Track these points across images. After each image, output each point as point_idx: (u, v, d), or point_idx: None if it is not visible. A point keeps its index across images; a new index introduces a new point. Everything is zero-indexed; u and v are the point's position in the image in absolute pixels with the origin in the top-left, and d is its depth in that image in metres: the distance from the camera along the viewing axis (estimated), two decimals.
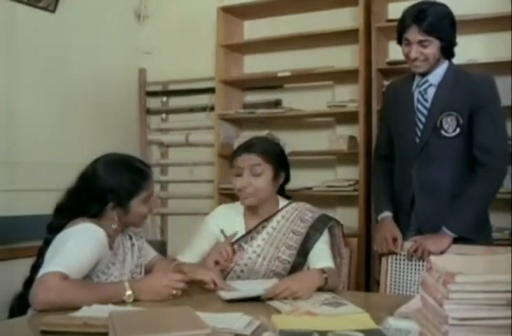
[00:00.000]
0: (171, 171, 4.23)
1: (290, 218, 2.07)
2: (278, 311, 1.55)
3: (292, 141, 3.41)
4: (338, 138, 3.40)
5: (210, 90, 3.84)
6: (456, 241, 2.11)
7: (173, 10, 4.10)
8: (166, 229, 4.18)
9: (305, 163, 3.63)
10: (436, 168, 2.19)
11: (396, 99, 2.35)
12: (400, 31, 2.18)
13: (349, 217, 3.37)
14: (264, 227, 2.06)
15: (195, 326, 1.16)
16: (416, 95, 2.25)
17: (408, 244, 2.19)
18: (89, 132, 3.64)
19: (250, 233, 2.07)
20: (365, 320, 1.34)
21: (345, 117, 3.47)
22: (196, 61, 3.97)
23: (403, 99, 2.30)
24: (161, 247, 3.78)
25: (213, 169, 3.74)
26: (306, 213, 2.08)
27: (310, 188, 3.42)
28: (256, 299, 1.69)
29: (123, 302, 1.61)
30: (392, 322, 1.25)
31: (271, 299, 1.68)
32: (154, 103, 4.24)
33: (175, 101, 4.21)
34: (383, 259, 2.25)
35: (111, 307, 1.51)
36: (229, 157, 3.74)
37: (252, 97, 3.91)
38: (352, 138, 3.37)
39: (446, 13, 2.16)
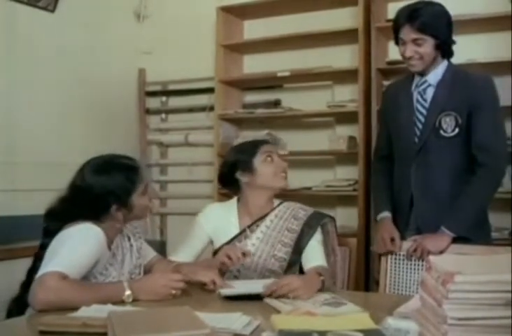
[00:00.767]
0: (170, 171, 4.23)
1: (284, 217, 2.08)
2: (278, 311, 1.55)
3: (291, 141, 3.43)
4: (337, 138, 3.40)
5: (210, 90, 3.84)
6: (455, 240, 2.11)
7: (173, 10, 4.10)
8: (165, 229, 4.18)
9: (304, 163, 3.64)
10: (435, 168, 2.19)
11: (395, 100, 2.35)
12: (395, 31, 2.18)
13: (348, 217, 3.38)
14: (258, 226, 2.07)
15: (194, 326, 1.17)
16: (415, 95, 2.25)
17: (407, 244, 2.19)
18: (88, 132, 3.63)
19: (244, 232, 2.07)
20: (364, 320, 1.34)
21: (345, 117, 3.47)
22: (195, 61, 3.96)
23: (402, 99, 2.30)
24: (160, 247, 3.78)
25: (213, 169, 3.73)
26: (299, 211, 2.10)
27: (309, 188, 3.42)
28: (255, 298, 1.69)
29: (122, 302, 1.61)
30: (392, 322, 1.25)
31: (270, 296, 1.67)
32: (153, 103, 4.24)
33: (174, 101, 4.21)
34: (382, 259, 2.24)
35: (110, 307, 1.50)
36: None
37: (251, 97, 3.91)
38: (351, 138, 3.37)
39: (441, 12, 2.16)
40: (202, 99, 4.02)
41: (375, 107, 3.20)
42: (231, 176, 2.11)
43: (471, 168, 2.16)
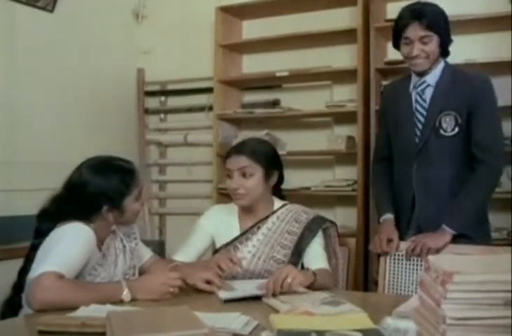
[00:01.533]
0: (169, 171, 4.23)
1: (285, 219, 2.08)
2: (276, 311, 1.55)
3: (290, 141, 3.44)
4: (336, 138, 3.40)
5: (209, 90, 3.84)
6: (456, 238, 2.11)
7: (172, 9, 4.10)
8: (164, 229, 4.18)
9: (303, 163, 3.64)
10: (436, 167, 2.19)
11: (393, 100, 2.35)
12: (399, 30, 2.18)
13: (347, 217, 3.38)
14: (259, 228, 2.07)
15: (193, 326, 1.16)
16: (414, 96, 2.25)
17: (406, 244, 2.19)
18: (87, 132, 3.63)
19: (244, 234, 2.07)
20: (363, 320, 1.34)
21: (344, 117, 3.47)
22: (194, 61, 3.97)
23: (401, 100, 2.30)
24: (159, 247, 3.78)
25: (212, 169, 3.74)
26: (301, 214, 2.09)
27: (308, 188, 3.42)
28: (253, 298, 1.69)
29: (121, 302, 1.61)
30: (391, 322, 1.25)
31: (273, 295, 1.69)
32: (152, 103, 4.24)
33: (173, 101, 4.21)
34: (381, 259, 2.25)
35: (109, 307, 1.51)
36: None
37: (250, 97, 3.91)
38: (350, 138, 3.37)
39: (442, 11, 2.20)
40: (201, 99, 4.02)
41: (374, 107, 3.20)
42: None
43: (472, 166, 2.16)
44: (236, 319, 1.40)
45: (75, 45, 3.58)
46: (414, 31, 2.13)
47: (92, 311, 1.46)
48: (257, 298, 1.70)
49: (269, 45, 3.66)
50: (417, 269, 2.16)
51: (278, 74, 3.54)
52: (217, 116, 3.70)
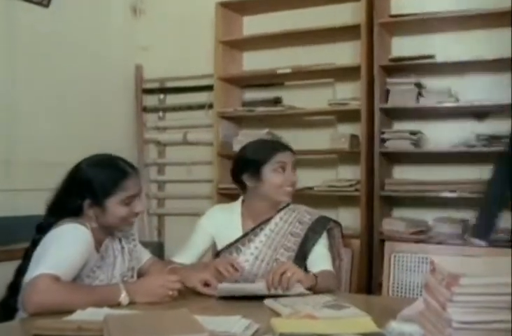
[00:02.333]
0: (168, 170, 4.23)
1: (289, 220, 2.08)
2: (278, 314, 1.55)
3: (292, 140, 3.41)
4: (339, 136, 3.39)
5: (209, 88, 3.84)
6: None
7: (171, 4, 4.10)
8: (163, 231, 4.18)
9: (305, 162, 3.62)
10: None
11: None
12: None
13: (350, 217, 3.38)
14: (261, 229, 2.07)
15: (192, 330, 1.17)
16: None
17: None
18: (84, 131, 3.63)
19: (247, 235, 2.07)
20: (367, 323, 1.34)
21: (347, 116, 3.47)
22: (194, 58, 3.96)
23: None
24: (158, 249, 3.78)
25: (212, 169, 3.73)
26: (304, 214, 2.09)
27: (311, 188, 3.42)
28: (254, 300, 1.70)
29: (119, 305, 1.61)
30: (395, 325, 1.24)
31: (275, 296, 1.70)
32: (150, 100, 4.24)
33: (172, 99, 4.20)
34: (385, 260, 2.24)
35: (106, 310, 1.50)
36: (229, 156, 3.75)
37: (251, 95, 3.91)
38: (353, 137, 3.37)
39: None
40: (201, 97, 4.02)
41: (378, 105, 3.19)
42: (238, 176, 2.09)
43: None
44: (237, 323, 1.39)
45: (71, 41, 3.57)
46: None
47: (89, 315, 1.46)
48: (257, 300, 1.70)
49: (271, 41, 3.66)
50: (422, 271, 2.16)
51: (279, 71, 3.54)
52: (217, 114, 3.70)
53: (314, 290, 1.79)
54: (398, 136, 3.20)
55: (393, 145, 3.20)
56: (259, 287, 1.76)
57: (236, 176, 2.10)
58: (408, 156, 3.36)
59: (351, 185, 3.32)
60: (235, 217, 2.12)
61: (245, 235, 2.07)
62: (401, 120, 3.43)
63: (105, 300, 1.59)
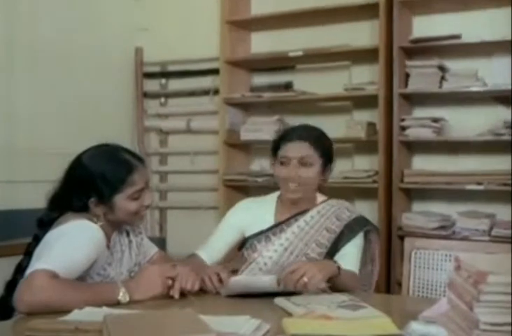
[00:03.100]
0: (170, 160, 4.24)
1: (326, 215, 2.09)
2: (289, 314, 1.55)
3: None
4: (355, 124, 3.39)
5: (214, 71, 3.83)
6: None
7: None
8: (165, 225, 4.19)
9: None
10: None
11: None
12: None
13: (367, 211, 3.36)
14: (296, 220, 2.08)
15: (198, 330, 1.17)
16: None
17: None
18: (83, 117, 3.64)
19: (279, 225, 2.09)
20: (386, 324, 1.34)
21: (363, 102, 3.46)
22: (198, 40, 3.96)
23: None
24: (159, 244, 3.77)
25: (217, 159, 3.74)
26: (344, 211, 2.10)
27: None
28: (261, 296, 1.71)
29: (118, 304, 1.61)
30: (416, 327, 1.24)
31: (279, 293, 1.70)
32: (151, 85, 4.23)
33: (175, 84, 4.20)
34: (405, 257, 2.24)
35: (105, 310, 1.50)
36: (235, 145, 3.74)
37: (260, 79, 3.90)
38: (370, 125, 3.36)
39: None
40: (205, 82, 4.01)
41: (397, 90, 3.18)
42: None
43: None
44: (246, 323, 1.39)
45: (67, 20, 3.57)
46: None
47: (87, 315, 1.46)
48: (266, 297, 1.71)
49: (281, 21, 3.64)
50: (445, 269, 2.15)
51: (291, 54, 3.52)
52: (223, 100, 3.70)
53: (333, 282, 1.79)
54: (419, 123, 3.17)
55: (413, 133, 3.18)
56: (270, 283, 1.76)
57: None
58: (429, 145, 3.35)
59: (368, 177, 3.31)
60: (268, 211, 2.15)
61: (277, 224, 2.09)
62: (423, 106, 3.42)
63: (104, 298, 1.59)
